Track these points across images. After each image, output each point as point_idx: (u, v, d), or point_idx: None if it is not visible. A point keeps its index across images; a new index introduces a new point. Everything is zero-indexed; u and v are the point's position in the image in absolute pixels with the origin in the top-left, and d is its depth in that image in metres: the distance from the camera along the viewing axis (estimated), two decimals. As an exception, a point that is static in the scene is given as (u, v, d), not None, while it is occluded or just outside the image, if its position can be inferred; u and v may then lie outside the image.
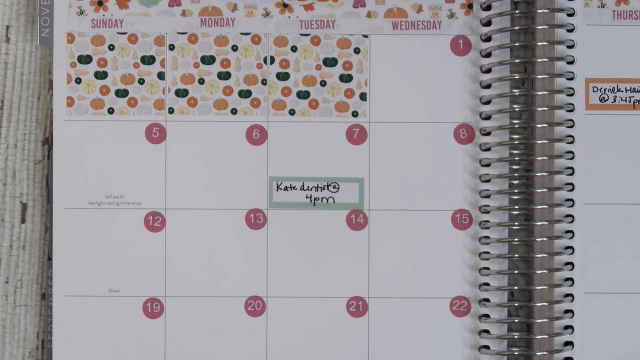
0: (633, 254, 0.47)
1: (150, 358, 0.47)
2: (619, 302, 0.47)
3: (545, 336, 0.47)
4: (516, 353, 0.47)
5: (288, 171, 0.48)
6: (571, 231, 0.47)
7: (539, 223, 0.47)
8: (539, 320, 0.47)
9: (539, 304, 0.47)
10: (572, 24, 0.47)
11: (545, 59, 0.47)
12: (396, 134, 0.48)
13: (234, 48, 0.48)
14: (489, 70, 0.48)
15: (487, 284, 0.47)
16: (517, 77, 0.47)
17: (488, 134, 0.48)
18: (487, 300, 0.47)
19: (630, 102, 0.48)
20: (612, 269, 0.47)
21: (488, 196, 0.48)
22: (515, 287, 0.47)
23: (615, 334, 0.47)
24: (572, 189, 0.48)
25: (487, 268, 0.47)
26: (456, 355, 0.47)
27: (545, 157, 0.47)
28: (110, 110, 0.48)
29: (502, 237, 0.47)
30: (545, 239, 0.47)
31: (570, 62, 0.48)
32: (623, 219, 0.47)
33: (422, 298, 0.48)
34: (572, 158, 0.47)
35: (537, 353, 0.47)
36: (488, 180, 0.48)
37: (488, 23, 0.48)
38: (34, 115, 0.49)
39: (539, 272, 0.47)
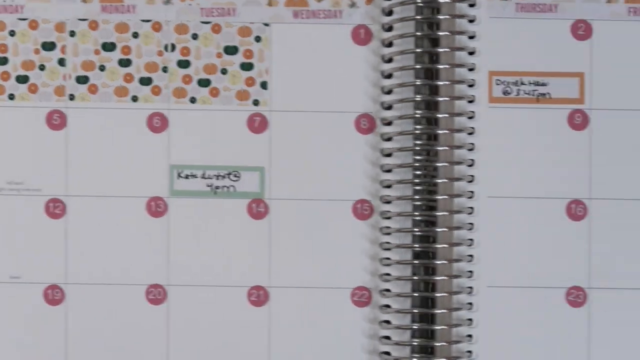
0: (532, 248, 0.47)
1: (50, 345, 0.47)
2: (518, 296, 0.47)
3: (445, 327, 0.47)
4: (415, 343, 0.47)
5: (189, 159, 0.48)
6: (472, 223, 0.47)
7: (440, 213, 0.47)
8: (439, 311, 0.47)
9: (440, 295, 0.47)
10: (475, 16, 0.47)
11: (447, 49, 0.47)
12: (297, 123, 0.48)
13: (135, 35, 0.47)
14: (390, 60, 0.47)
15: (388, 274, 0.47)
16: (418, 67, 0.47)
17: (389, 123, 0.47)
18: (388, 290, 0.47)
19: (534, 95, 0.48)
20: (511, 262, 0.47)
21: (389, 186, 0.47)
22: (415, 277, 0.47)
23: (515, 326, 0.47)
24: (473, 181, 0.47)
25: (388, 258, 0.47)
26: (356, 345, 0.48)
27: (446, 148, 0.47)
28: (11, 97, 0.48)
29: (403, 227, 0.47)
30: (446, 229, 0.47)
31: (472, 53, 0.47)
32: (523, 213, 0.47)
33: (323, 288, 0.48)
34: (472, 149, 0.47)
35: (437, 344, 0.47)
36: (389, 170, 0.47)
37: (390, 13, 0.47)
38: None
39: (439, 262, 0.47)
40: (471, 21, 0.47)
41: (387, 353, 0.47)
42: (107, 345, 0.47)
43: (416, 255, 0.48)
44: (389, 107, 0.47)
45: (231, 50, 0.47)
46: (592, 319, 0.47)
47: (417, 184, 0.47)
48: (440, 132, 0.47)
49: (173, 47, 0.47)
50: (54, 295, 0.47)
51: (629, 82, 0.47)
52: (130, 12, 0.47)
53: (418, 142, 0.47)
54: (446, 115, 0.47)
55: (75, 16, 0.47)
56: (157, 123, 0.47)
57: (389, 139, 0.47)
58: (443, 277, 0.47)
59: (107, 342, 0.47)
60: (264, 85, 0.48)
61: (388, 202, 0.47)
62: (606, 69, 0.47)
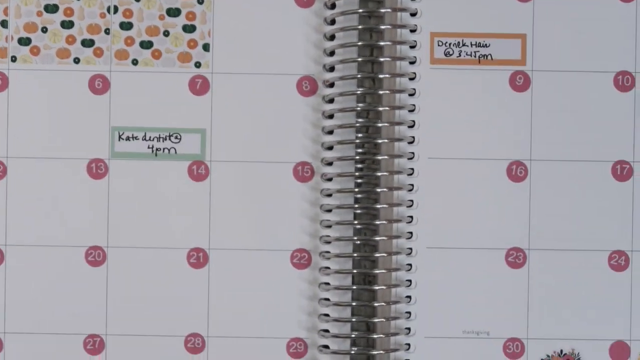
0: (472, 210, 0.47)
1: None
2: (458, 257, 0.47)
3: (385, 287, 0.47)
4: (354, 304, 0.47)
5: (130, 121, 0.48)
6: (412, 184, 0.47)
7: (381, 174, 0.47)
8: (380, 271, 0.47)
9: (380, 255, 0.47)
10: (416, -24, 0.47)
11: (390, 10, 0.47)
12: (239, 86, 0.48)
13: (77, -4, 0.48)
14: (333, 22, 0.47)
15: (328, 236, 0.47)
16: (360, 27, 0.47)
17: (331, 85, 0.47)
18: (328, 252, 0.47)
19: (475, 56, 0.47)
20: (451, 223, 0.47)
21: (330, 148, 0.47)
22: (355, 238, 0.47)
23: (454, 288, 0.47)
24: (414, 142, 0.47)
25: (328, 220, 0.47)
26: (296, 307, 0.47)
27: (388, 108, 0.47)
28: (-46, 59, 0.48)
29: (343, 188, 0.47)
30: (386, 189, 0.47)
31: (415, 15, 0.47)
32: (464, 174, 0.47)
33: (263, 250, 0.48)
34: (413, 110, 0.47)
35: (377, 304, 0.47)
36: (331, 132, 0.47)
37: (330, -26, 0.47)
38: None
39: (379, 222, 0.47)
40: (413, -16, 0.47)
41: (327, 315, 0.47)
42: (44, 305, 0.47)
43: (357, 218, 0.47)
44: (332, 69, 0.47)
45: (174, 12, 0.48)
46: (531, 280, 0.47)
47: (358, 145, 0.47)
48: (382, 92, 0.47)
49: (116, 9, 0.48)
50: (-5, 257, 0.47)
51: (570, 44, 0.47)
52: (72, -26, 0.47)
53: (360, 104, 0.47)
54: (388, 75, 0.47)
55: (17, -22, 0.47)
56: (99, 85, 0.47)
57: (331, 101, 0.47)
58: (383, 238, 0.47)
59: (46, 302, 0.47)
60: (206, 47, 0.48)
61: (329, 164, 0.47)
62: (548, 30, 0.47)
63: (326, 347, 0.47)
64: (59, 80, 0.47)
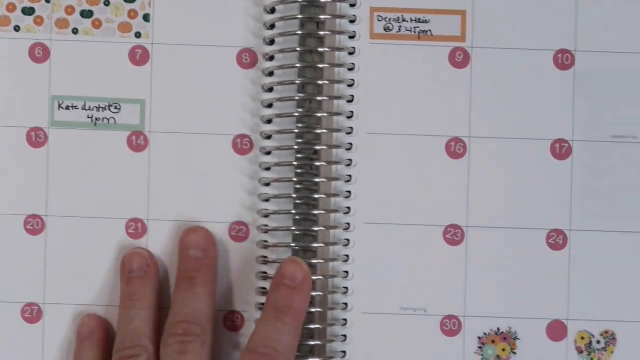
0: (410, 186, 0.47)
1: None
2: (395, 233, 0.47)
3: (323, 261, 0.47)
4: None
5: (70, 91, 0.48)
6: (351, 159, 0.47)
7: (320, 147, 0.47)
8: (318, 245, 0.47)
9: (317, 228, 0.47)
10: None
11: (328, -17, 0.47)
12: (179, 57, 0.48)
13: (18, -35, 0.47)
14: (274, -5, 0.47)
15: (267, 210, 0.47)
16: (301, 1, 0.47)
17: (272, 58, 0.47)
18: (267, 225, 0.47)
19: (415, 32, 0.47)
20: (390, 199, 0.47)
21: (270, 121, 0.47)
22: (293, 212, 0.47)
23: (391, 264, 0.47)
24: (352, 117, 0.47)
25: (267, 194, 0.47)
26: (235, 280, 0.47)
27: (327, 82, 0.47)
28: None
29: (282, 162, 0.47)
30: (325, 163, 0.47)
31: (354, -11, 0.47)
32: (403, 150, 0.47)
33: (201, 222, 0.48)
34: (352, 85, 0.47)
35: (315, 277, 0.47)
36: (270, 105, 0.47)
37: (271, -54, 0.47)
38: None
39: (317, 196, 0.47)
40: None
41: (264, 288, 0.47)
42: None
43: (297, 193, 0.47)
44: (272, 42, 0.47)
45: (115, -18, 0.47)
46: (469, 257, 0.47)
47: (298, 120, 0.47)
48: (321, 66, 0.47)
49: (56, -23, 0.47)
50: None
51: (510, 21, 0.47)
52: (13, -58, 0.47)
53: (301, 78, 0.47)
54: (328, 49, 0.47)
55: (-42, -55, 0.47)
56: (39, 53, 0.47)
57: (270, 74, 0.47)
58: (322, 212, 0.47)
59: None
60: (146, 18, 0.47)
61: (268, 138, 0.47)
62: (488, 7, 0.47)
63: (262, 320, 0.47)
64: (-1, 48, 0.47)
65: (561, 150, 0.47)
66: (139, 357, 0.43)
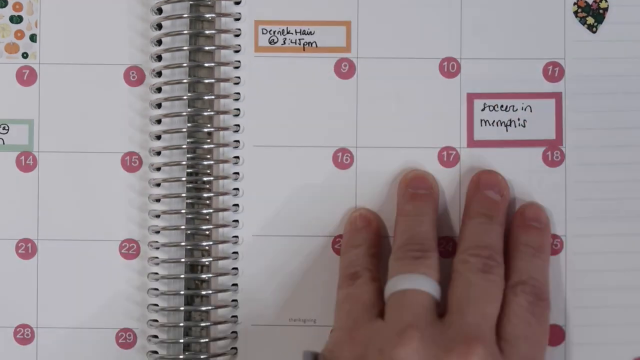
0: (296, 197, 0.47)
1: None
2: (283, 245, 0.47)
3: (211, 275, 0.47)
4: (182, 293, 0.47)
5: (-42, 112, 0.48)
6: (238, 172, 0.47)
7: (208, 162, 0.47)
8: (208, 260, 0.47)
9: (206, 243, 0.47)
10: (238, -37, 0.47)
11: (212, -5, 0.47)
12: (66, 77, 0.48)
13: None
14: (160, 11, 0.48)
15: (156, 226, 0.47)
16: (185, 16, 0.47)
17: (159, 74, 0.47)
18: (157, 242, 0.47)
19: (300, 44, 0.47)
20: (277, 211, 0.47)
21: (158, 137, 0.47)
22: (183, 227, 0.47)
23: (279, 275, 0.47)
24: (239, 130, 0.47)
25: (156, 210, 0.47)
26: (126, 297, 0.47)
27: (213, 97, 0.47)
28: None
29: (170, 177, 0.47)
30: (212, 178, 0.47)
31: (238, 3, 0.47)
32: (290, 162, 0.47)
33: (91, 240, 0.48)
34: (238, 99, 0.47)
35: (204, 292, 0.47)
36: (159, 122, 0.47)
37: (155, -42, 0.48)
38: None
39: (205, 211, 0.47)
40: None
41: (156, 305, 0.47)
42: None
43: (188, 208, 0.47)
44: (159, 58, 0.47)
45: (1, 3, 0.48)
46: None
47: (188, 135, 0.47)
48: (207, 81, 0.47)
49: (-56, 0, 0.48)
50: None
51: (395, 31, 0.47)
52: None
53: (189, 93, 0.47)
54: (212, 64, 0.47)
55: None
56: None
57: (159, 90, 0.47)
58: (210, 227, 0.47)
59: None
60: (33, 38, 0.48)
61: (158, 154, 0.47)
62: (372, 17, 0.47)
63: (155, 337, 0.47)
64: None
65: (449, 157, 0.47)
66: (428, 252, 0.43)
